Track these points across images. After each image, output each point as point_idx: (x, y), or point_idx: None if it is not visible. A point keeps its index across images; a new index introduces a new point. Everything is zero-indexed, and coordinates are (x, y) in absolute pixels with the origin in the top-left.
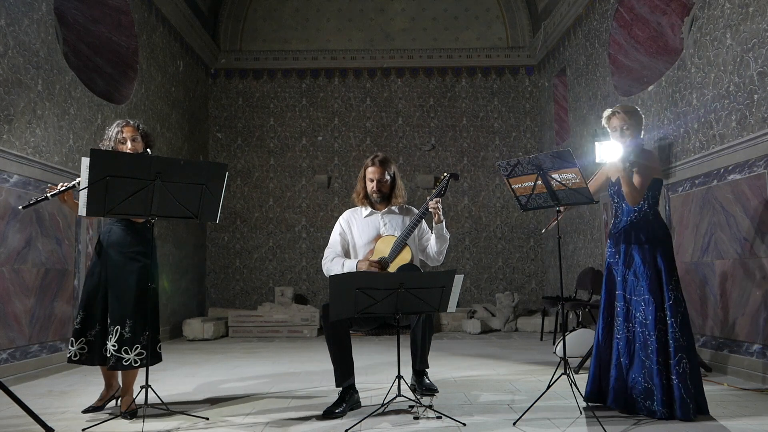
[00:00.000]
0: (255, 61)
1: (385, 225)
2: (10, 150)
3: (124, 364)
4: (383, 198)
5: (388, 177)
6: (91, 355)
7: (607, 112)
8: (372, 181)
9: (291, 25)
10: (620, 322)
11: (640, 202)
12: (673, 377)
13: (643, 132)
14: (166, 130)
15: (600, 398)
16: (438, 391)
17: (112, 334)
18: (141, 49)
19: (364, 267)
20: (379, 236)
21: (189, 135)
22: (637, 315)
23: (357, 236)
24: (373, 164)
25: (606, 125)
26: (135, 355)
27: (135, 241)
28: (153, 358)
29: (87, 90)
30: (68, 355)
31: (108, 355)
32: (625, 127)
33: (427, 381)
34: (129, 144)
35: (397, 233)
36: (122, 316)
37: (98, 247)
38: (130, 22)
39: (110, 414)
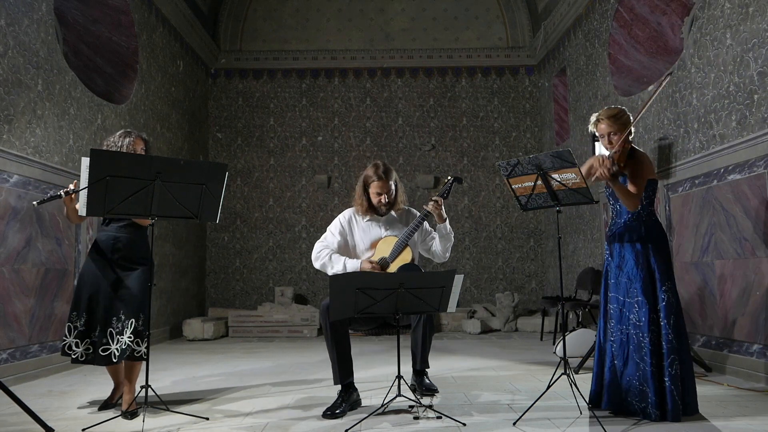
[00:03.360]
0: (255, 61)
1: (386, 229)
2: (10, 150)
3: (136, 355)
4: (390, 207)
5: (393, 187)
6: (95, 356)
7: (593, 117)
8: (379, 194)
9: (291, 25)
10: (614, 325)
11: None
12: (666, 379)
13: (633, 130)
14: (166, 130)
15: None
16: (438, 391)
17: (128, 327)
18: (141, 49)
19: (367, 267)
20: (380, 238)
21: (189, 135)
22: (631, 317)
23: (358, 238)
24: (378, 179)
25: (594, 130)
26: (144, 348)
27: (142, 245)
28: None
29: (87, 90)
30: (74, 356)
31: (124, 347)
32: (611, 133)
33: (427, 381)
34: None
35: (399, 234)
36: (137, 310)
37: (98, 251)
38: (130, 22)
39: (110, 414)
